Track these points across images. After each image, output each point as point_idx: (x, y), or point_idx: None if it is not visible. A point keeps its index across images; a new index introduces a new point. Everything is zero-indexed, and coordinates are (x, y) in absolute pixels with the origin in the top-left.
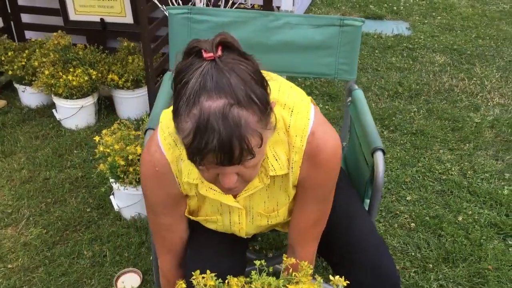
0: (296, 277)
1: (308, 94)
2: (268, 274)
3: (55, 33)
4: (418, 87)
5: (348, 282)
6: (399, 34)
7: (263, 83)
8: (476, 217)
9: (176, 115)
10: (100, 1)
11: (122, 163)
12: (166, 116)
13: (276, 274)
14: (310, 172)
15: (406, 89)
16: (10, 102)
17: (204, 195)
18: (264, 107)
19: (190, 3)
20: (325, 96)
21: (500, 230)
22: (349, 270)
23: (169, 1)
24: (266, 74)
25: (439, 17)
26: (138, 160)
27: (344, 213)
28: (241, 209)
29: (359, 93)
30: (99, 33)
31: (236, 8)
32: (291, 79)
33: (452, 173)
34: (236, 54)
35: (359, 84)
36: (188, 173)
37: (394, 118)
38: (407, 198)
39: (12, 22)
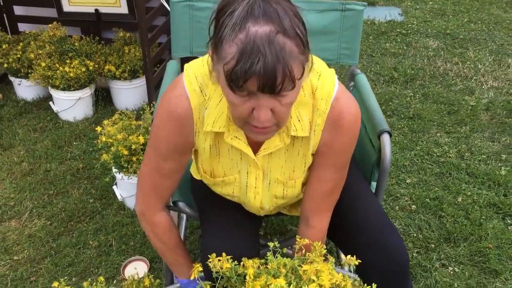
0: (310, 257)
1: None
2: (282, 256)
3: (50, 25)
4: (413, 72)
5: (360, 261)
6: (392, 20)
7: (303, 23)
8: (475, 198)
9: (217, 43)
10: None
11: (126, 152)
12: (191, 65)
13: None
14: (332, 137)
15: (402, 74)
16: (6, 95)
17: (229, 143)
18: (306, 43)
19: None
20: None
21: (499, 209)
22: (357, 250)
23: None
24: None
25: (430, 2)
26: (141, 149)
27: (351, 195)
28: (258, 170)
29: (362, 77)
30: (94, 24)
31: None
32: None
33: (450, 155)
34: None
35: None
36: (214, 122)
37: (390, 103)
38: (407, 181)
39: (4, 15)
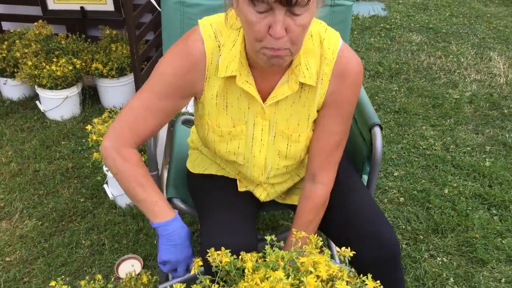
0: (306, 249)
1: None
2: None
3: (36, 23)
4: (397, 66)
5: (354, 253)
6: (376, 15)
7: None
8: (461, 189)
9: None
10: None
11: None
12: (206, 17)
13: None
14: (338, 87)
15: (386, 69)
16: None
17: (240, 87)
18: None
19: None
20: None
21: (484, 200)
22: (350, 242)
23: None
24: None
25: None
26: None
27: (342, 187)
28: (265, 121)
29: None
30: (79, 22)
31: None
32: None
33: (436, 148)
34: None
35: None
36: (227, 66)
37: (376, 97)
38: (394, 174)
39: None
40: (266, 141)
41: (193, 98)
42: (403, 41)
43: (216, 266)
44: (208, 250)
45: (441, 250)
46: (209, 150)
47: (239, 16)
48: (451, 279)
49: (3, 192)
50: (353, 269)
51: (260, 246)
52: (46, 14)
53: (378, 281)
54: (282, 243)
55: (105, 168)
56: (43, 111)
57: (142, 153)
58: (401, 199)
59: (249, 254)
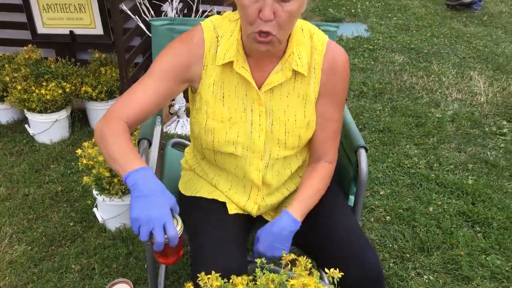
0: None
1: None
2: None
3: (25, 47)
4: (381, 86)
5: (343, 274)
6: (359, 36)
7: None
8: (445, 207)
9: None
10: (69, 13)
11: (107, 174)
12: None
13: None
14: (330, 77)
15: (370, 89)
16: None
17: (237, 71)
18: None
19: (163, 13)
20: None
21: (468, 218)
22: (335, 265)
23: (141, 12)
24: None
25: (395, 18)
26: None
27: (330, 212)
28: (261, 107)
29: None
30: (68, 46)
31: (204, 17)
32: None
33: (420, 166)
34: None
35: None
36: (225, 54)
37: (361, 117)
38: (380, 193)
39: None
40: (264, 126)
41: (189, 101)
42: (386, 61)
43: None
44: (198, 275)
45: (427, 268)
46: (207, 149)
47: (237, 5)
48: None
49: None
50: None
51: (250, 268)
52: (36, 38)
53: None
54: (272, 266)
55: (94, 192)
56: (32, 134)
57: None
58: (388, 217)
59: (239, 278)
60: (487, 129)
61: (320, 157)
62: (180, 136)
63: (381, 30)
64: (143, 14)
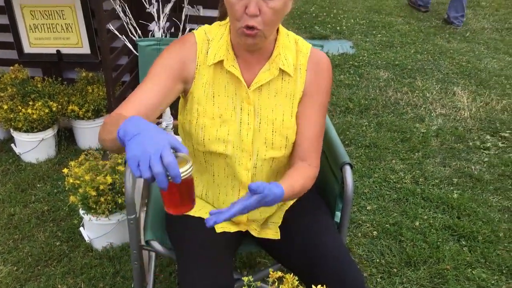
0: None
1: None
2: None
3: (12, 67)
4: (367, 102)
5: None
6: (345, 53)
7: None
8: (431, 221)
9: None
10: (56, 33)
11: (94, 193)
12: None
13: None
14: (315, 77)
15: (356, 105)
16: None
17: (228, 69)
18: None
19: (150, 33)
20: None
21: (454, 232)
22: (316, 282)
23: (128, 32)
24: None
25: (379, 35)
26: (109, 189)
27: (315, 228)
28: (250, 106)
29: None
30: (55, 65)
31: None
32: None
33: (406, 181)
34: None
35: None
36: (216, 54)
37: (348, 132)
38: (367, 208)
39: None
40: (252, 125)
41: (179, 108)
42: (371, 77)
43: None
44: None
45: (415, 283)
46: (198, 150)
47: (225, 2)
48: None
49: None
50: None
51: (237, 286)
52: (22, 58)
53: None
54: (259, 283)
55: (81, 211)
56: (18, 153)
57: (119, 194)
58: (375, 232)
59: None
60: (471, 143)
61: (302, 159)
62: None
63: (366, 47)
64: (130, 34)
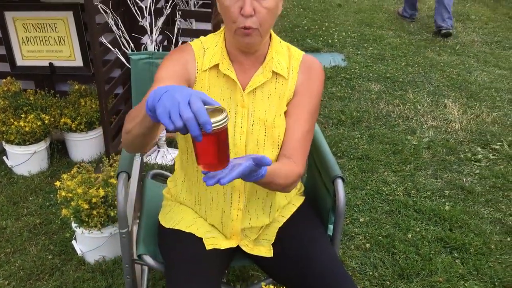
0: None
1: None
2: None
3: (4, 80)
4: (358, 114)
5: None
6: (336, 65)
7: None
8: (423, 234)
9: None
10: (49, 46)
11: (86, 207)
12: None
13: None
14: (306, 78)
15: (348, 117)
16: None
17: (224, 72)
18: None
19: (143, 46)
20: None
21: (446, 244)
22: None
23: (121, 45)
24: None
25: (370, 48)
26: (102, 202)
27: (307, 242)
28: (244, 109)
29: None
30: (47, 77)
31: None
32: None
33: (398, 193)
34: None
35: None
36: (211, 59)
37: (340, 144)
38: (360, 220)
39: None
40: (245, 128)
41: None
42: (363, 90)
43: None
44: None
45: None
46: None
47: (219, 8)
48: None
49: None
50: None
51: None
52: (15, 70)
53: None
54: None
55: (73, 225)
56: (10, 166)
57: (112, 207)
58: (367, 245)
59: None
60: (462, 155)
61: (288, 156)
62: (160, 167)
63: (358, 59)
64: (123, 47)
